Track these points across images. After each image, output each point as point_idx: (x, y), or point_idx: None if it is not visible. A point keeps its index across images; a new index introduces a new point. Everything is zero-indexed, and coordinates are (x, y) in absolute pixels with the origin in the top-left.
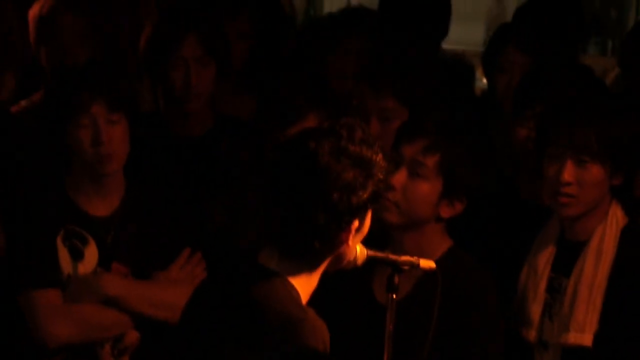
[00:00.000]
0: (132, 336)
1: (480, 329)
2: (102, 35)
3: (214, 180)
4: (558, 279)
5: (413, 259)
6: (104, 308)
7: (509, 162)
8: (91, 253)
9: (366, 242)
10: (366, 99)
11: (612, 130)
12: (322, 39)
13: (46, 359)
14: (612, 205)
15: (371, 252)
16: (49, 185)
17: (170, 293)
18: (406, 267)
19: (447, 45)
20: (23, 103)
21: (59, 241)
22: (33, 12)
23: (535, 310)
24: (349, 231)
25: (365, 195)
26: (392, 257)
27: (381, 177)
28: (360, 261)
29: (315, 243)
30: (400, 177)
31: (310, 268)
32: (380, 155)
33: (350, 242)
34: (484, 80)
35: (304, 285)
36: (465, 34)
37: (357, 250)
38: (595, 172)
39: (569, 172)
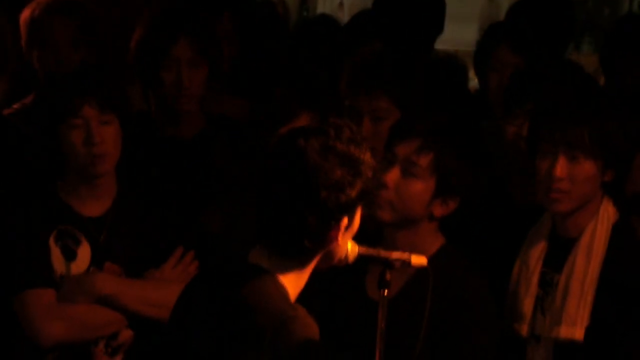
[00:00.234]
0: (126, 334)
1: (471, 329)
2: (94, 38)
3: (207, 182)
4: (550, 274)
5: (405, 256)
6: (97, 307)
7: (500, 161)
8: (84, 253)
9: (359, 239)
10: (359, 99)
11: (604, 127)
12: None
13: (40, 359)
14: (604, 202)
15: (362, 250)
16: (41, 186)
17: (163, 292)
18: (398, 264)
19: (440, 45)
20: (15, 106)
21: (51, 242)
22: (24, 15)
23: (528, 304)
24: (338, 229)
25: (353, 194)
26: (384, 254)
27: (370, 175)
28: (351, 259)
29: (305, 241)
30: (393, 176)
31: (300, 266)
32: (368, 154)
33: (339, 240)
34: (476, 80)
35: (294, 283)
36: (458, 34)
37: (349, 248)
38: (587, 168)
39: (561, 168)
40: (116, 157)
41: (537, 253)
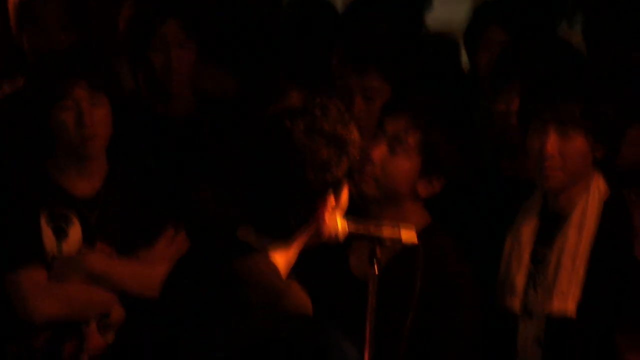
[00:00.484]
0: (118, 313)
1: (452, 311)
2: (83, 19)
3: (198, 161)
4: (541, 250)
5: (395, 235)
6: (89, 286)
7: (491, 138)
8: (75, 233)
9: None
10: (350, 78)
11: (595, 102)
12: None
13: (32, 337)
14: (595, 177)
15: (352, 228)
16: (32, 167)
17: (154, 271)
18: (389, 242)
19: (432, 23)
20: (5, 88)
21: (43, 222)
22: None
23: (520, 280)
24: (325, 207)
25: (340, 173)
26: (374, 232)
27: (356, 154)
28: (342, 236)
29: (291, 221)
30: (379, 152)
31: (287, 245)
32: (355, 133)
33: (326, 218)
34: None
35: (283, 260)
36: (450, 13)
37: (339, 225)
38: (578, 144)
39: (552, 145)
40: (107, 138)
41: (528, 229)
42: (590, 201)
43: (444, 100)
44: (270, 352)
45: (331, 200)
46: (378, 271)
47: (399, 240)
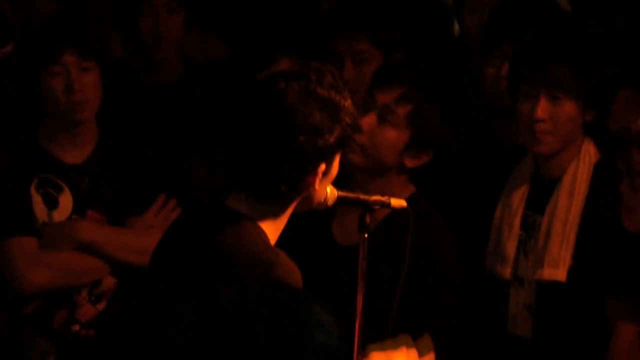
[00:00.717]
0: (109, 282)
1: (432, 279)
2: None
3: (189, 128)
4: (532, 216)
5: (384, 199)
6: (80, 254)
7: (482, 103)
8: (66, 201)
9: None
10: (339, 42)
11: (584, 66)
12: None
13: (23, 306)
14: (585, 142)
15: (342, 193)
16: (21, 135)
17: (145, 239)
18: (377, 207)
19: None
20: None
21: (32, 190)
22: None
23: (510, 246)
24: (316, 174)
25: (332, 139)
26: (363, 197)
27: (349, 122)
28: (331, 202)
29: (282, 186)
30: (369, 121)
31: (277, 211)
32: (349, 101)
33: (317, 186)
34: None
35: (272, 228)
36: None
37: (328, 191)
38: (568, 108)
39: (542, 109)
40: (97, 104)
41: (519, 195)
42: (580, 166)
43: (436, 71)
44: (243, 322)
45: (322, 167)
46: (367, 236)
47: (388, 204)
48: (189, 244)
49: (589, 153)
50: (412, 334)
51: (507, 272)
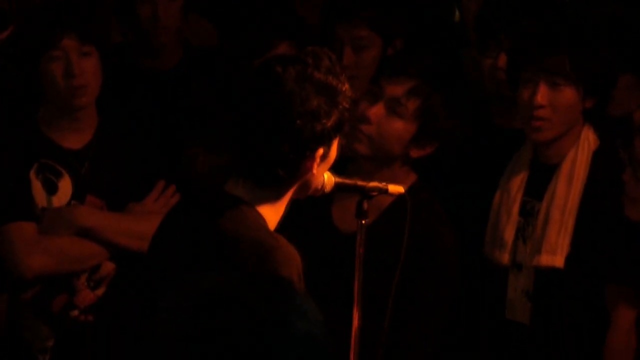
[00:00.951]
0: (108, 267)
1: (430, 270)
2: None
3: (188, 113)
4: (531, 202)
5: (381, 185)
6: (79, 240)
7: (481, 89)
8: (65, 186)
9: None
10: (339, 28)
11: (584, 52)
12: None
13: (22, 291)
14: (584, 129)
15: (339, 179)
16: (21, 120)
17: (145, 225)
18: (375, 194)
19: None
20: None
21: (32, 175)
22: None
23: (509, 233)
24: (314, 159)
25: (329, 124)
26: (361, 183)
27: (347, 106)
28: (328, 188)
29: (280, 171)
30: (377, 111)
31: (275, 196)
32: (346, 85)
33: (314, 171)
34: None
35: (271, 213)
36: None
37: (325, 177)
38: (568, 94)
39: (542, 95)
40: (96, 89)
41: (518, 181)
42: (579, 152)
43: (446, 65)
44: (225, 309)
45: (320, 152)
46: (365, 222)
47: (385, 190)
48: (188, 229)
49: (588, 140)
50: (407, 326)
51: (505, 257)
